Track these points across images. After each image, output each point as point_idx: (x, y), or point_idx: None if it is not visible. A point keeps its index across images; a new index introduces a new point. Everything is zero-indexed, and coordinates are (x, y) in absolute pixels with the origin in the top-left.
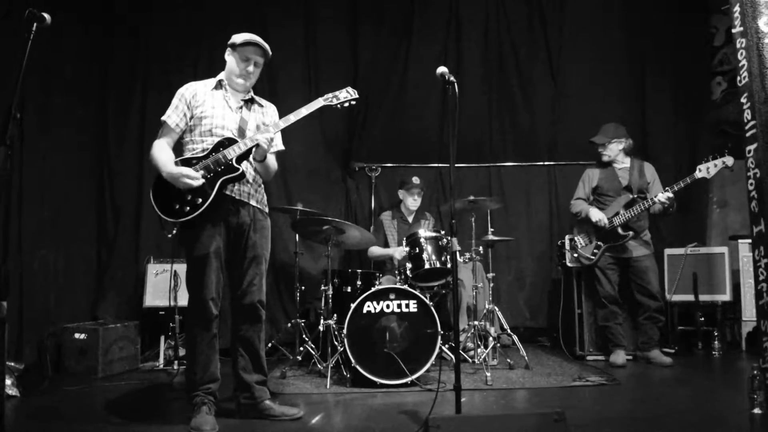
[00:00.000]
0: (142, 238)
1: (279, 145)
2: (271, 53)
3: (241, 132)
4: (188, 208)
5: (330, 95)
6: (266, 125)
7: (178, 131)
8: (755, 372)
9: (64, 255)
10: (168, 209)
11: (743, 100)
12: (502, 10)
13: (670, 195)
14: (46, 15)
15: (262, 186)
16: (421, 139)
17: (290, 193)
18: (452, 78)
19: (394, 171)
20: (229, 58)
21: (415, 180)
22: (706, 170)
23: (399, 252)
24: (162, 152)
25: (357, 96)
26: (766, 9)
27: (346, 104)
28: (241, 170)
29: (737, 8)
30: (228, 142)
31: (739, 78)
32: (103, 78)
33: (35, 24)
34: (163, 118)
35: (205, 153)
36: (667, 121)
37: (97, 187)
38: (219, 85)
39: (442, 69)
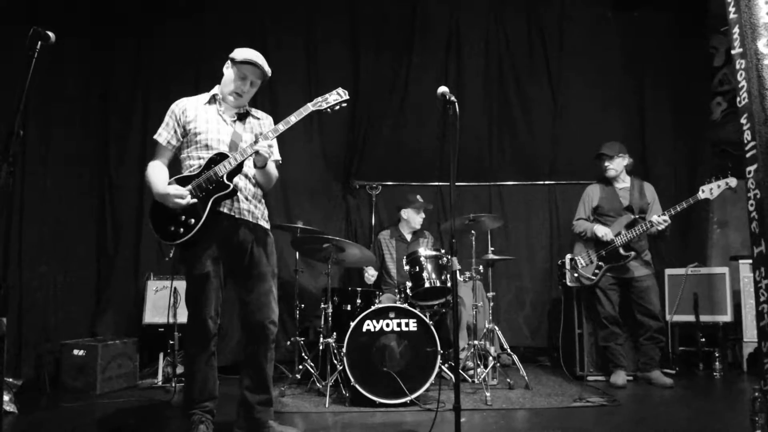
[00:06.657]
0: (142, 254)
1: (276, 155)
2: (270, 74)
3: (234, 146)
4: (182, 229)
5: (320, 99)
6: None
7: (170, 149)
8: (756, 394)
9: (64, 271)
10: (164, 232)
11: (743, 120)
12: (502, 30)
13: (666, 218)
14: (50, 33)
15: (263, 201)
16: (422, 157)
17: (290, 211)
18: (453, 98)
19: (395, 189)
20: (227, 71)
21: (420, 198)
22: (709, 191)
23: (370, 272)
24: (154, 173)
25: (347, 97)
26: (765, 31)
27: (337, 107)
28: (232, 187)
29: (736, 29)
30: (219, 158)
31: (738, 99)
32: (104, 94)
33: (40, 42)
34: (155, 137)
35: (199, 170)
36: (666, 141)
37: (97, 203)
38: (213, 100)
39: (442, 89)
